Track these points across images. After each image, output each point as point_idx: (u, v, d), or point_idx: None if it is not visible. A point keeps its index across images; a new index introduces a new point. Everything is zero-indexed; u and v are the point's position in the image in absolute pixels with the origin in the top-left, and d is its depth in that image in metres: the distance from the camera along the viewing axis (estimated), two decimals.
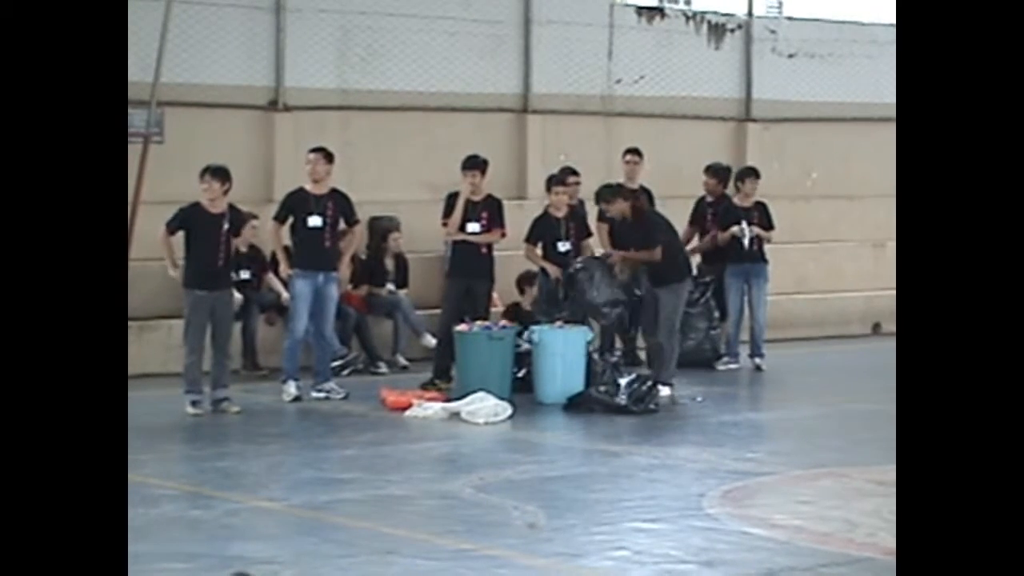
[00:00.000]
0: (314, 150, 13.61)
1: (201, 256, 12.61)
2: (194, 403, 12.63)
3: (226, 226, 12.68)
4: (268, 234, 14.09)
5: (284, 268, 13.59)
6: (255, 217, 14.78)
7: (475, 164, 14.12)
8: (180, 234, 12.74)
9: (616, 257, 14.01)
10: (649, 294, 13.94)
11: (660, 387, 13.21)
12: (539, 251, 14.52)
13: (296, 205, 13.47)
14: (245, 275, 14.82)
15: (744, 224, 15.59)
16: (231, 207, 12.86)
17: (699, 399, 13.70)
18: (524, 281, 15.22)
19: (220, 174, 12.68)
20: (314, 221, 13.34)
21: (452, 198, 14.17)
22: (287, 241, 13.60)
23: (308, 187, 13.50)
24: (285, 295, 14.39)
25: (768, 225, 15.80)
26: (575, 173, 15.41)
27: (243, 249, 14.46)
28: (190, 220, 12.68)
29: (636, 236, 13.86)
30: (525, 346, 13.52)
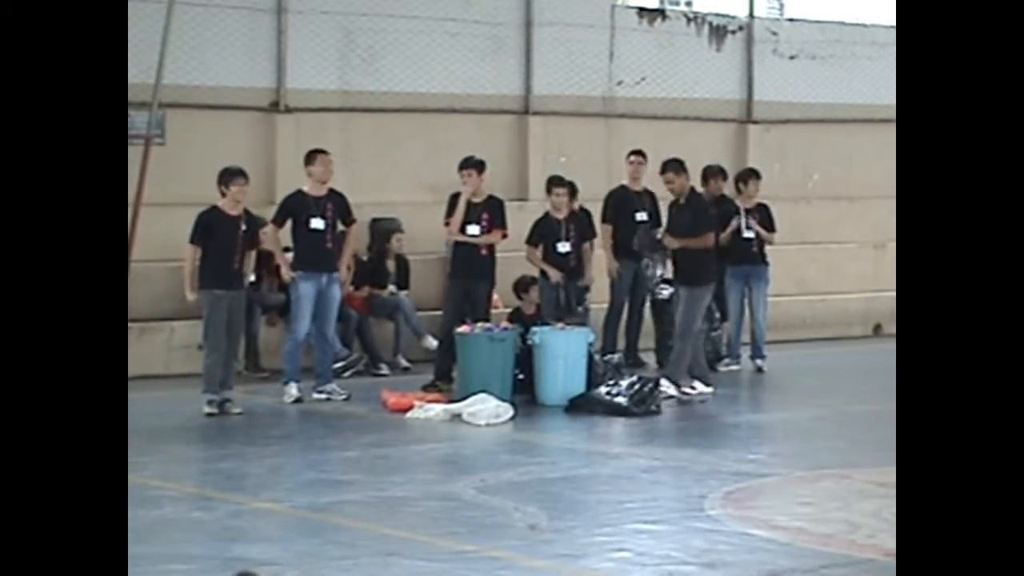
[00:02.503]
0: (321, 152, 13.57)
1: (218, 257, 12.67)
2: (210, 403, 12.65)
3: (243, 227, 12.74)
4: (267, 237, 14.06)
5: (285, 271, 13.59)
6: (267, 223, 14.74)
7: (469, 164, 14.05)
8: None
9: (670, 241, 13.94)
10: (678, 292, 13.95)
11: (662, 383, 13.24)
12: (539, 253, 14.52)
13: (296, 208, 13.45)
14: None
15: (742, 216, 15.58)
16: (245, 211, 12.93)
17: (700, 400, 13.70)
18: (521, 286, 15.15)
19: (247, 177, 12.81)
20: (316, 223, 13.34)
21: (455, 198, 14.14)
22: (285, 243, 13.61)
23: (306, 189, 13.49)
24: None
25: (770, 227, 15.79)
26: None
27: None
28: (211, 224, 12.72)
29: (686, 220, 13.80)
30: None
